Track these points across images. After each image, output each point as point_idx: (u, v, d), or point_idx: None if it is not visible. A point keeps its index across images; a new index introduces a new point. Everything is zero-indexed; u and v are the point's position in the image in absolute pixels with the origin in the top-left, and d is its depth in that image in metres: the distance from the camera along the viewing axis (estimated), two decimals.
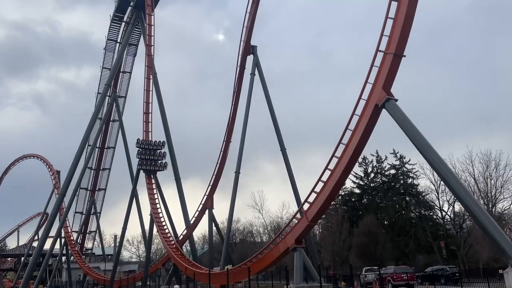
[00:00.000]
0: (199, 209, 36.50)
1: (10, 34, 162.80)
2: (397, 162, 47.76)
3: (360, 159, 45.32)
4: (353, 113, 16.65)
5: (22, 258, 58.61)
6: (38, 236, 58.85)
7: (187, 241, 38.78)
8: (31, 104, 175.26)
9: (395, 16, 15.16)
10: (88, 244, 64.98)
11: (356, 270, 33.41)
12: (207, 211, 36.27)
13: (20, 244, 74.58)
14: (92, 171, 56.54)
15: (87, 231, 61.54)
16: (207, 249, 53.23)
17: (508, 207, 38.18)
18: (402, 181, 47.10)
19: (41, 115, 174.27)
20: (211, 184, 36.52)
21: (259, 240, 60.22)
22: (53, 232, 44.77)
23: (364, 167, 48.84)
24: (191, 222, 36.70)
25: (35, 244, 57.57)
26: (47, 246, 45.58)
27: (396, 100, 15.11)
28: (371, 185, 48.35)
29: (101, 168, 57.37)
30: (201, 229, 71.70)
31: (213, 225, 37.83)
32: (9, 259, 76.16)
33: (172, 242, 34.91)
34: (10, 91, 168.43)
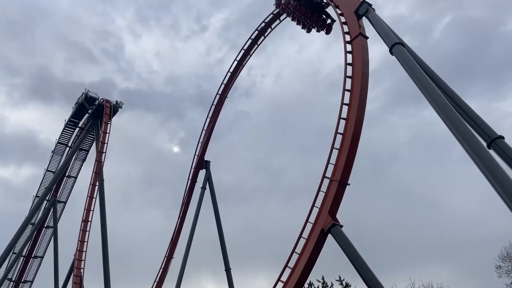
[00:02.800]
0: None
1: None
2: None
3: (306, 285, 43.88)
4: (300, 236, 16.68)
5: None
6: None
7: None
8: None
9: (340, 147, 16.41)
10: None
11: None
12: None
13: None
14: (11, 283, 50.05)
15: None
16: None
17: None
18: None
19: None
20: None
21: None
22: None
23: None
24: None
25: None
26: None
27: (341, 226, 15.42)
28: None
29: (22, 281, 51.03)
30: None
31: None
32: None
33: None
34: None
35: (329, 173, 16.53)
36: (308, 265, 15.87)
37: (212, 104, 36.13)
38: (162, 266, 34.10)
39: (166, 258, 34.40)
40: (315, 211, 16.52)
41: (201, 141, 36.47)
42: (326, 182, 16.52)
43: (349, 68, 18.12)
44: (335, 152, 16.62)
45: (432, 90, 14.11)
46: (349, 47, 18.71)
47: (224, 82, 35.80)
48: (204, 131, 36.36)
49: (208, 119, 36.22)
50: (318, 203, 16.53)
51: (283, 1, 29.01)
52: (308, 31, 29.68)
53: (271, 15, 32.03)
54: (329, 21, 28.73)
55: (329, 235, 15.43)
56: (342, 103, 17.36)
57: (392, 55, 16.44)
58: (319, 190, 16.73)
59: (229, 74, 35.54)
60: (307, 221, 16.71)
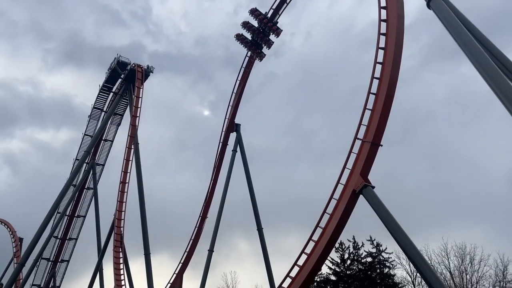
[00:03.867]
0: None
1: None
2: (374, 250, 47.07)
3: (337, 244, 44.58)
4: (331, 197, 16.79)
5: None
6: None
7: None
8: (1, 163, 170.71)
9: (373, 107, 16.03)
10: None
11: None
12: None
13: None
14: (57, 240, 53.58)
15: None
16: None
17: None
18: (378, 270, 46.02)
19: (10, 176, 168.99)
20: (182, 261, 34.92)
21: None
22: None
23: (341, 253, 47.87)
24: None
25: None
26: None
27: (373, 187, 15.36)
28: (348, 272, 46.97)
29: (67, 238, 54.49)
30: None
31: None
32: None
33: None
34: None
35: (361, 134, 16.31)
36: (339, 225, 16.05)
37: (242, 66, 35.80)
38: (197, 226, 35.35)
39: (200, 218, 35.57)
40: (347, 172, 16.49)
41: (231, 104, 36.52)
42: (358, 143, 16.35)
43: (383, 24, 17.36)
44: (367, 113, 16.30)
45: (471, 45, 13.37)
46: (383, 2, 17.83)
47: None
48: (234, 94, 36.32)
49: (238, 82, 36.04)
50: (350, 165, 16.45)
51: None
52: None
53: None
54: None
55: (361, 196, 15.44)
56: (376, 62, 16.79)
57: (430, 9, 15.57)
58: (350, 151, 16.62)
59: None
60: (338, 182, 16.74)
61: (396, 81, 15.95)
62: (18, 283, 42.93)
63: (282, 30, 33.75)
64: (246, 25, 33.79)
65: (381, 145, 15.58)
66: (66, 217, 52.14)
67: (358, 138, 16.40)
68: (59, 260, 54.59)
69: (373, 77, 16.63)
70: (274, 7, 33.16)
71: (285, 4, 32.95)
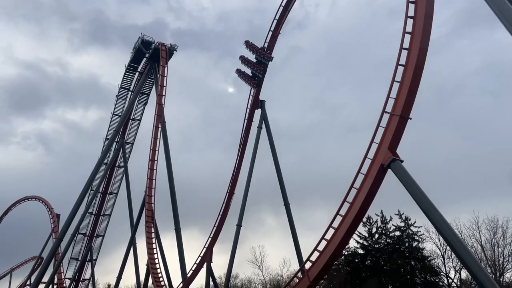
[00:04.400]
0: (197, 262, 35.46)
1: (21, 73, 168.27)
2: (402, 224, 46.80)
3: (364, 219, 44.54)
4: (359, 172, 16.66)
5: None
6: (30, 281, 56.96)
7: None
8: (35, 143, 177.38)
9: (402, 79, 15.59)
10: None
11: None
12: (205, 264, 35.21)
13: None
14: (92, 216, 55.84)
15: (81, 279, 59.51)
16: None
17: None
18: (407, 244, 45.86)
19: (44, 155, 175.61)
20: (211, 236, 35.77)
21: None
22: (46, 278, 43.40)
23: (369, 227, 47.88)
24: (188, 275, 35.50)
25: None
26: None
27: (402, 161, 15.13)
28: (375, 246, 47.07)
29: (101, 214, 56.68)
30: (198, 283, 69.11)
31: (211, 279, 36.53)
32: None
33: None
34: (15, 130, 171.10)
35: (389, 108, 15.95)
36: (367, 200, 15.98)
37: (265, 41, 35.31)
38: (225, 201, 35.94)
39: (228, 194, 36.11)
40: (374, 146, 16.25)
41: None
42: (386, 117, 16.02)
43: None
44: (395, 85, 15.87)
45: (507, 10, 12.67)
46: None
47: (276, 17, 34.50)
48: None
49: None
50: (378, 139, 16.19)
51: None
52: None
53: None
54: None
55: (389, 170, 15.25)
56: (404, 32, 16.18)
57: None
58: (378, 125, 16.31)
59: (281, 8, 34.11)
60: (365, 156, 16.55)
61: (426, 51, 15.37)
62: (57, 257, 45.28)
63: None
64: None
65: (410, 118, 15.23)
66: (100, 194, 54.09)
67: (386, 112, 16.05)
68: (95, 235, 57.07)
69: (401, 48, 16.09)
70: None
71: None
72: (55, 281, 48.63)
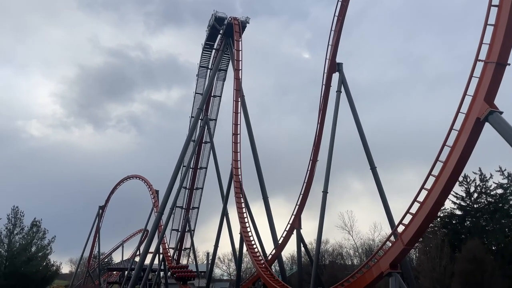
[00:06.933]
0: (287, 229, 36.43)
1: (107, 60, 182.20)
2: (505, 181, 42.97)
3: (460, 178, 41.69)
4: (451, 128, 15.54)
5: (126, 272, 63.55)
6: (139, 252, 63.56)
7: (276, 261, 38.81)
8: (128, 125, 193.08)
9: (496, 21, 13.97)
10: (183, 261, 68.36)
11: None
12: (295, 231, 36.05)
13: (124, 259, 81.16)
14: (187, 190, 59.94)
15: (182, 248, 64.93)
16: (295, 270, 52.62)
17: None
18: (511, 202, 42.22)
19: (137, 136, 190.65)
20: (298, 203, 36.35)
21: (349, 263, 57.95)
22: (152, 248, 48.06)
23: (466, 186, 44.76)
24: (279, 242, 36.72)
25: (137, 259, 62.18)
26: (147, 261, 49.00)
27: (501, 113, 13.79)
28: (475, 206, 44.03)
29: (195, 188, 60.60)
30: (290, 249, 71.30)
31: (302, 245, 37.41)
32: (114, 272, 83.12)
33: (262, 262, 35.19)
34: (110, 114, 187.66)
35: (482, 55, 14.47)
36: (462, 157, 14.94)
37: (338, 0, 33.70)
38: (309, 169, 36.02)
39: (311, 161, 36.09)
40: (468, 99, 14.96)
41: (330, 43, 34.98)
42: (479, 65, 14.57)
43: None
44: (489, 29, 14.27)
45: None
46: None
47: None
48: (332, 32, 34.64)
49: (336, 18, 34.13)
50: (471, 90, 14.86)
51: None
52: None
53: None
54: None
55: (486, 124, 14.01)
56: None
57: None
58: (471, 75, 14.92)
59: None
60: (458, 111, 15.33)
61: None
62: (160, 229, 49.62)
63: None
64: None
65: (509, 64, 13.70)
66: (191, 169, 57.72)
67: (479, 60, 14.59)
68: (190, 207, 61.49)
69: None
70: None
71: None
72: (161, 251, 53.44)
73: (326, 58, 35.49)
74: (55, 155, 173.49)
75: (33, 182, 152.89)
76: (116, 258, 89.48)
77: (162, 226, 48.80)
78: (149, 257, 48.04)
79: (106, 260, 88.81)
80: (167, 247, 58.75)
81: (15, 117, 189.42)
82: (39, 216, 36.55)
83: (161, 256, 54.73)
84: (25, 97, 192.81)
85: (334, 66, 34.87)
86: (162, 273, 56.60)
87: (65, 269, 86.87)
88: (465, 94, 15.13)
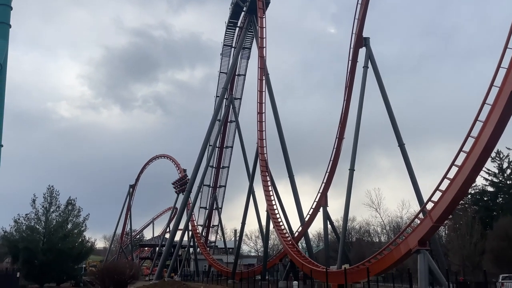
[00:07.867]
0: (313, 207, 36.50)
1: (131, 40, 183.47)
2: None
3: (493, 154, 40.38)
4: (484, 102, 14.98)
5: (157, 248, 65.76)
6: (169, 229, 65.45)
7: (303, 238, 39.16)
8: (154, 106, 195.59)
9: None
10: (212, 237, 70.08)
11: (491, 277, 29.86)
12: (321, 209, 36.09)
13: (154, 236, 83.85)
14: (213, 169, 60.78)
15: (211, 225, 66.40)
16: (322, 247, 53.02)
17: None
18: None
19: (163, 115, 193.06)
20: (324, 181, 36.21)
21: (377, 240, 57.79)
22: (181, 225, 49.39)
23: (499, 162, 43.39)
24: (306, 219, 36.91)
25: (167, 235, 64.12)
26: (177, 238, 50.44)
27: None
28: (508, 182, 42.74)
29: (221, 167, 61.36)
30: (316, 227, 71.71)
31: (328, 223, 37.50)
32: (146, 248, 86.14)
33: (288, 239, 35.56)
34: (135, 95, 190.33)
35: None
36: (495, 133, 14.43)
37: None
38: (335, 147, 35.67)
39: (337, 139, 35.69)
40: (502, 72, 14.30)
41: (357, 17, 33.99)
42: None
43: None
44: None
45: None
46: None
47: None
48: (359, 5, 33.62)
49: None
50: (505, 63, 14.18)
51: None
52: None
53: None
54: None
55: None
56: None
57: None
58: (506, 45, 14.22)
59: None
60: (491, 84, 14.71)
61: None
62: (189, 207, 50.76)
63: None
64: None
65: None
66: (217, 148, 58.31)
67: None
68: (217, 186, 62.43)
69: None
70: None
71: None
72: (190, 228, 54.83)
73: (352, 33, 34.58)
74: (85, 135, 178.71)
75: (64, 162, 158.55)
76: (147, 235, 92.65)
77: (191, 204, 49.87)
78: (178, 234, 49.42)
79: (138, 236, 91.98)
80: (195, 224, 60.20)
81: (45, 99, 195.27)
82: (73, 195, 38.01)
83: (190, 233, 56.18)
84: (53, 79, 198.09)
85: (360, 41, 33.96)
86: (191, 249, 58.24)
87: (100, 245, 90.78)
88: (498, 66, 14.48)
